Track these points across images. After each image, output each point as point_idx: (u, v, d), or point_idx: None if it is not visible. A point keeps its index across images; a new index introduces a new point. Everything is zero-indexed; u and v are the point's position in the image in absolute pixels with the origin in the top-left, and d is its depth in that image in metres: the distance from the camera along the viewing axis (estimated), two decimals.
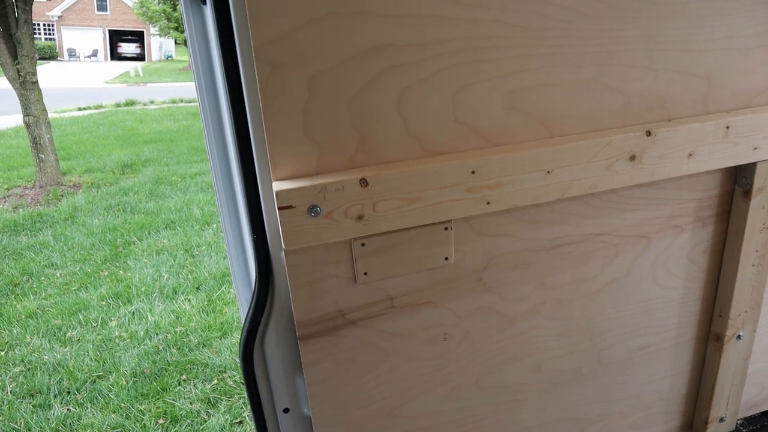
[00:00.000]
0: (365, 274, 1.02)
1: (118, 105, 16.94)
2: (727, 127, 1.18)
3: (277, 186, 0.91)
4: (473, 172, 0.98)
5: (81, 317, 4.14)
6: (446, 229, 1.03)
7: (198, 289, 4.53)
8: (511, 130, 1.04)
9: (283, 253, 0.98)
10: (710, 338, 1.44)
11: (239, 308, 1.38)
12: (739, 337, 1.42)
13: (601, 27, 1.05)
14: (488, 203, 1.01)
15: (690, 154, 1.16)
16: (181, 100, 17.83)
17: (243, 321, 1.16)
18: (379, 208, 0.95)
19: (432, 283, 1.09)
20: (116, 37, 43.85)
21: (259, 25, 0.84)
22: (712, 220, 1.31)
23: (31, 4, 7.29)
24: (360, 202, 0.93)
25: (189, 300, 4.33)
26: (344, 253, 1.00)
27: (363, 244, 1.00)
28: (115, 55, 43.52)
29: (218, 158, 1.17)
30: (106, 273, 4.93)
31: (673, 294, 1.34)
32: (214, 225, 6.01)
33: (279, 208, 0.90)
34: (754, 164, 1.25)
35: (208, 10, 1.03)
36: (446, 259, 1.06)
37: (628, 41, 1.08)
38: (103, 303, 4.36)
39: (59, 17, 42.38)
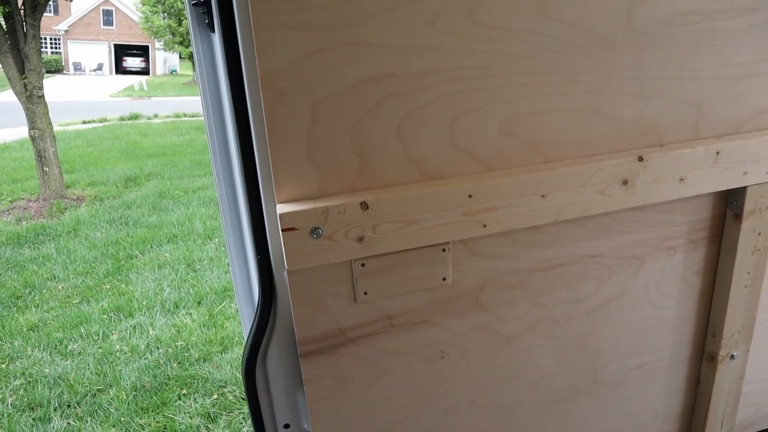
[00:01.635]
0: (365, 293, 1.05)
1: (122, 118, 17.07)
2: (717, 153, 1.22)
3: (281, 209, 0.94)
4: (470, 196, 1.02)
5: (82, 330, 4.16)
6: (444, 250, 1.07)
7: (199, 303, 4.55)
8: (506, 155, 1.07)
9: (285, 272, 1.02)
10: (704, 358, 1.46)
11: (242, 324, 1.41)
12: (732, 357, 1.44)
13: (593, 57, 1.09)
14: (485, 226, 1.05)
15: (681, 179, 1.20)
16: (185, 114, 17.97)
17: (245, 338, 1.19)
18: (379, 230, 0.98)
19: (430, 303, 1.12)
20: (121, 51, 44.30)
21: (265, 55, 0.88)
22: (704, 242, 1.35)
23: (40, 19, 7.40)
24: (361, 225, 0.97)
25: (190, 314, 4.34)
26: (345, 273, 1.03)
27: (363, 265, 1.03)
28: (120, 69, 43.93)
29: (224, 180, 1.21)
30: (108, 286, 4.96)
31: (667, 314, 1.37)
32: (216, 239, 6.05)
33: (282, 230, 0.94)
34: (744, 188, 1.28)
35: (217, 39, 1.08)
36: (444, 279, 1.09)
37: (620, 70, 1.12)
38: (105, 316, 4.38)
39: (66, 31, 42.86)
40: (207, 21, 1.12)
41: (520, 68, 1.04)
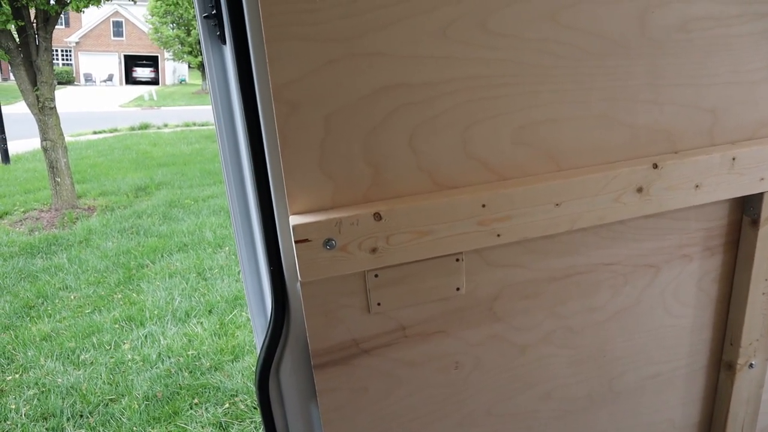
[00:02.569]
0: (378, 304, 1.05)
1: (132, 128, 17.23)
2: (733, 159, 1.20)
3: (294, 220, 0.94)
4: (484, 206, 1.01)
5: (94, 340, 4.18)
6: (457, 260, 1.06)
7: (210, 312, 4.56)
8: (520, 164, 1.07)
9: (298, 284, 1.01)
10: (722, 367, 1.44)
11: (254, 334, 1.41)
12: (751, 365, 1.42)
13: (607, 64, 1.08)
14: (499, 235, 1.04)
15: (697, 186, 1.19)
16: (194, 123, 18.10)
17: (258, 348, 1.18)
18: (393, 241, 0.98)
19: (444, 313, 1.11)
20: (131, 61, 44.77)
21: (278, 67, 0.88)
22: (721, 249, 1.33)
23: (52, 32, 7.50)
24: (374, 236, 0.97)
25: (201, 323, 4.36)
26: (358, 284, 1.03)
27: (376, 276, 1.02)
28: (130, 80, 44.38)
29: (236, 191, 1.21)
30: (120, 296, 4.98)
31: (684, 322, 1.35)
32: (227, 248, 6.07)
33: (296, 242, 0.93)
34: (761, 194, 1.27)
35: (228, 51, 1.08)
36: (458, 289, 1.09)
37: (633, 77, 1.11)
38: (117, 326, 4.40)
39: (77, 43, 43.41)
40: (218, 33, 1.12)
41: (533, 76, 1.03)
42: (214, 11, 1.10)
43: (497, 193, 1.01)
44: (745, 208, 1.31)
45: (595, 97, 1.09)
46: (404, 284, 1.05)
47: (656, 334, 1.33)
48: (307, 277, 0.97)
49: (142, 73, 44.49)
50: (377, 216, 0.96)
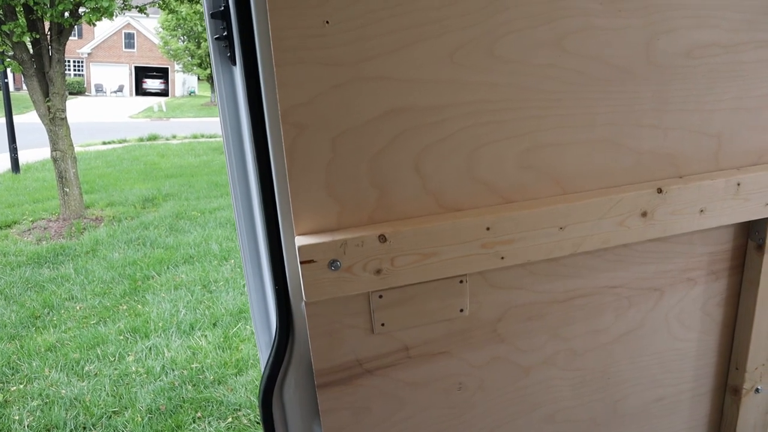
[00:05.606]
0: (382, 324, 1.05)
1: (141, 139, 17.39)
2: (738, 184, 1.20)
3: (300, 241, 0.95)
4: (488, 229, 1.02)
5: (99, 351, 4.19)
6: (461, 282, 1.07)
7: (215, 325, 4.57)
8: (525, 187, 1.08)
9: (303, 303, 1.02)
10: (727, 391, 1.43)
11: (258, 350, 1.41)
12: (757, 390, 1.41)
13: (612, 89, 1.09)
14: (502, 258, 1.04)
15: (701, 210, 1.19)
16: (202, 135, 18.25)
17: (263, 365, 1.19)
18: (397, 262, 0.99)
19: (447, 334, 1.11)
20: (142, 73, 45.29)
21: (286, 91, 0.90)
22: (726, 273, 1.33)
23: (65, 44, 7.62)
24: (378, 257, 0.97)
25: (205, 336, 4.36)
26: (362, 305, 1.03)
27: (381, 296, 1.03)
28: (140, 91, 44.86)
29: (243, 209, 1.23)
30: (125, 307, 5.00)
31: (689, 346, 1.35)
32: (232, 261, 6.08)
33: (301, 262, 0.94)
34: (766, 219, 1.27)
35: (238, 72, 1.10)
36: (461, 310, 1.09)
37: (638, 102, 1.12)
38: (121, 337, 4.41)
39: (89, 54, 43.98)
40: (228, 54, 1.14)
41: (539, 101, 1.04)
42: (225, 33, 1.12)
43: (501, 217, 1.02)
44: (750, 233, 1.31)
45: (599, 121, 1.10)
46: (408, 305, 1.05)
47: (661, 358, 1.33)
48: (311, 298, 0.97)
49: (152, 84, 44.97)
50: (382, 238, 0.97)
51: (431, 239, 0.99)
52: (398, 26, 0.94)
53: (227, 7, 1.04)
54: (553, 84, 1.04)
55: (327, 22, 0.91)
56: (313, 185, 0.96)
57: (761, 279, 1.30)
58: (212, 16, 1.10)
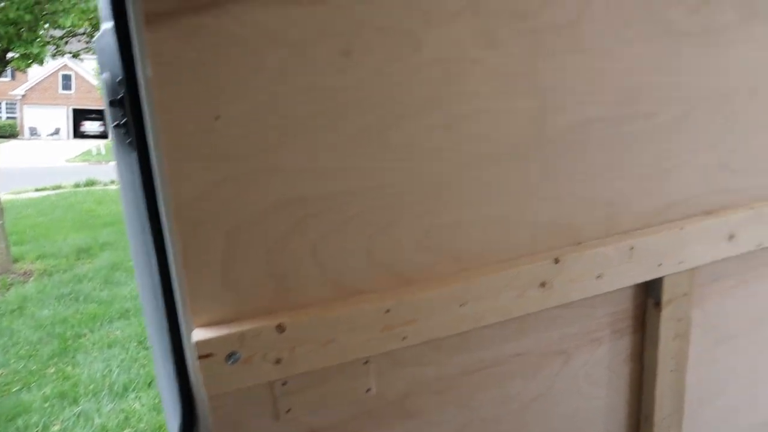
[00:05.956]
0: (288, 411, 1.04)
1: (77, 185, 16.75)
2: (631, 248, 1.27)
3: (197, 335, 0.93)
4: (388, 311, 1.03)
5: (20, 422, 3.91)
6: (366, 362, 1.07)
7: (150, 385, 4.36)
8: (424, 266, 1.10)
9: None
10: None
11: None
12: None
13: (504, 166, 1.14)
14: (404, 338, 1.06)
15: (599, 276, 1.25)
16: None
17: None
18: (297, 351, 0.98)
19: (356, 415, 1.11)
20: (80, 115, 43.98)
21: (178, 185, 0.90)
22: (629, 330, 1.39)
23: None
24: (277, 347, 0.97)
25: (139, 398, 4.16)
26: (266, 393, 1.02)
27: (284, 383, 1.02)
28: (78, 134, 43.46)
29: (148, 298, 1.20)
30: (53, 370, 4.72)
31: (598, 404, 1.39)
32: None
33: (199, 357, 0.92)
34: (661, 278, 1.34)
35: (134, 161, 1.09)
36: (368, 390, 1.09)
37: (531, 176, 1.18)
38: (47, 405, 4.14)
39: (23, 96, 42.45)
40: (128, 141, 1.13)
41: (433, 183, 1.08)
42: (124, 119, 1.12)
43: (401, 300, 1.04)
44: (648, 292, 1.38)
45: (494, 198, 1.14)
46: (313, 389, 1.05)
47: (572, 418, 1.36)
48: (212, 391, 0.95)
49: (91, 127, 43.64)
50: (280, 328, 0.96)
51: (329, 327, 0.99)
52: (285, 120, 0.95)
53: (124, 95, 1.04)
54: (446, 167, 1.09)
55: (217, 117, 0.92)
56: (209, 280, 0.95)
57: (660, 334, 1.37)
58: (110, 104, 1.09)
